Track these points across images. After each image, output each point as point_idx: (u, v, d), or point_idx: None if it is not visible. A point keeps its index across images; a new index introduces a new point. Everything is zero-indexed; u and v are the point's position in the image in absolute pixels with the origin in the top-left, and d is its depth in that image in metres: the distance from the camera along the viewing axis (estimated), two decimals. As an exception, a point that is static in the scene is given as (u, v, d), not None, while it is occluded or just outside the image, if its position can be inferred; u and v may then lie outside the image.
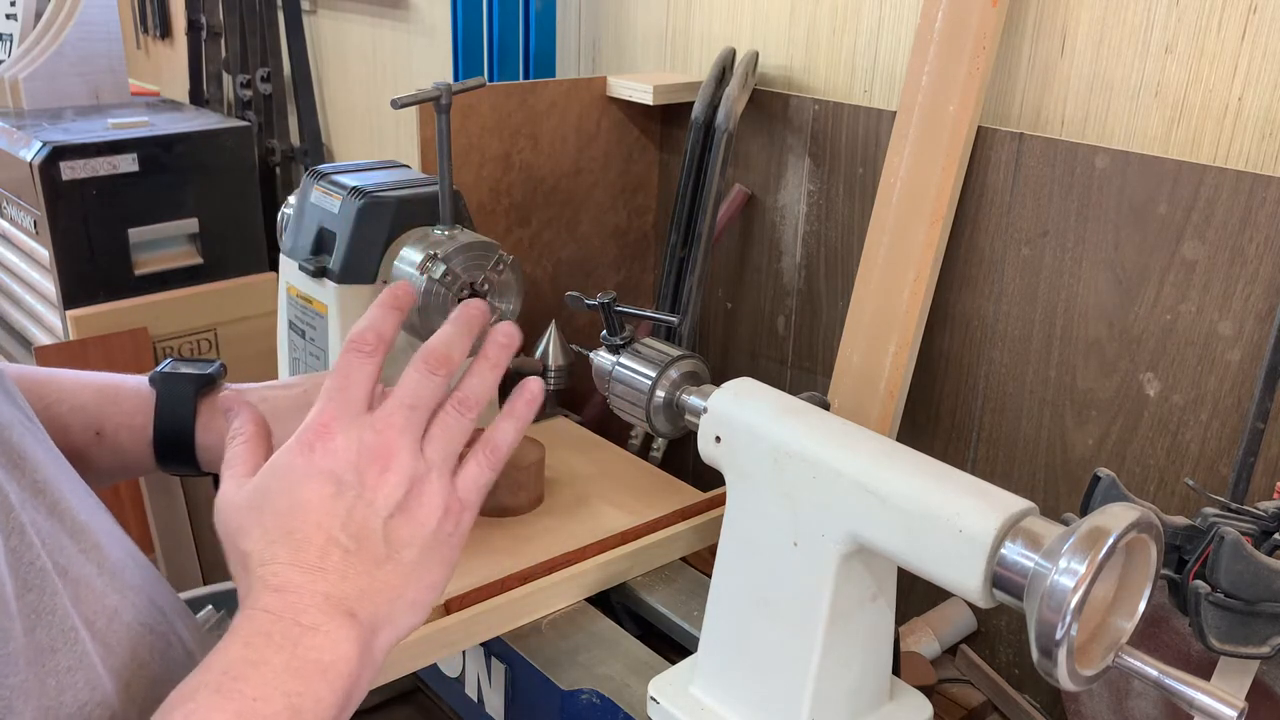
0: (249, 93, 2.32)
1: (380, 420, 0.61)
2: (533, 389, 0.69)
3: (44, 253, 1.79)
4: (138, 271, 1.85)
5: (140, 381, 0.80)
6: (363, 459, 0.60)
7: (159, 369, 0.81)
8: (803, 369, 1.44)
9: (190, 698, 0.50)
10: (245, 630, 0.54)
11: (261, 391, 0.83)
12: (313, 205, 1.07)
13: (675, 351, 0.86)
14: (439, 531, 0.62)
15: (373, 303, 0.63)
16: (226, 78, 2.41)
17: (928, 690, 1.02)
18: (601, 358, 0.89)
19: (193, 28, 2.46)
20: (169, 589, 0.63)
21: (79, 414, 0.76)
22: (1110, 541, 0.55)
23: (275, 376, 1.17)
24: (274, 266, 1.68)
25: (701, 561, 0.97)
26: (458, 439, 0.64)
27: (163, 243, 1.89)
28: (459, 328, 0.65)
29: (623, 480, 1.06)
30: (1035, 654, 0.57)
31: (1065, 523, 0.60)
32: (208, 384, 0.80)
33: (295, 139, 2.36)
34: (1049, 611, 0.56)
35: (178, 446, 0.79)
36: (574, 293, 0.92)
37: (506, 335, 0.67)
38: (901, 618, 1.24)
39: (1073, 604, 0.55)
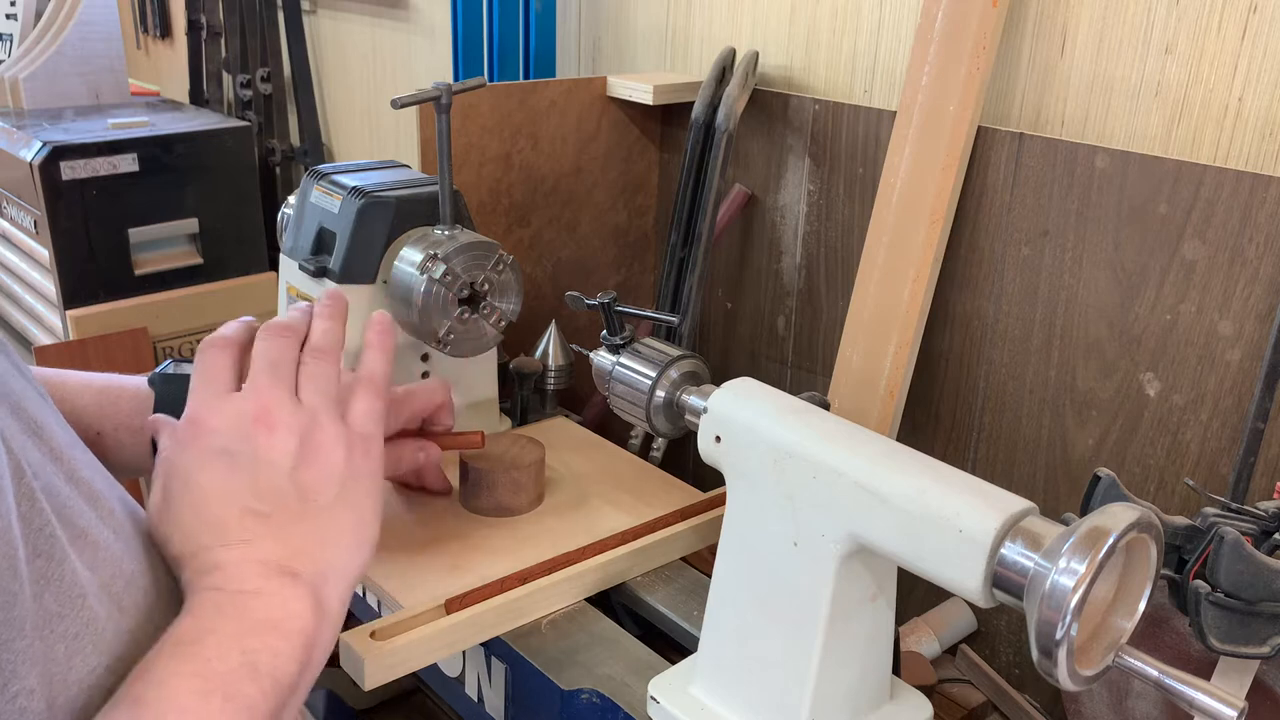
0: (249, 93, 2.32)
1: (249, 387, 0.63)
2: (377, 317, 0.73)
3: (44, 253, 1.79)
4: (138, 271, 1.85)
5: (140, 383, 0.80)
6: (244, 425, 0.61)
7: (158, 370, 0.81)
8: (803, 369, 1.44)
9: (147, 668, 0.50)
10: (193, 609, 0.55)
11: None
12: (313, 205, 1.07)
13: (675, 351, 0.86)
14: (349, 468, 0.63)
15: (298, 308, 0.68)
16: (226, 78, 2.41)
17: (928, 690, 1.02)
18: (601, 358, 0.89)
19: (193, 28, 2.46)
20: None
21: (79, 415, 0.76)
22: (1110, 541, 0.55)
23: (275, 376, 1.17)
24: (274, 266, 1.68)
25: (701, 561, 0.97)
26: (328, 380, 0.65)
27: (163, 243, 1.89)
28: (295, 312, 0.69)
29: (623, 480, 1.06)
30: (1035, 654, 0.57)
31: (1065, 523, 0.60)
32: None
33: (295, 139, 2.37)
34: (1049, 611, 0.56)
35: None
36: (574, 293, 0.92)
37: (332, 296, 0.71)
38: (901, 618, 1.24)
39: (1073, 604, 0.55)
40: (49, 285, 1.83)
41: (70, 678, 0.48)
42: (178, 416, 0.77)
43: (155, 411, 0.78)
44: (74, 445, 0.56)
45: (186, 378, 0.79)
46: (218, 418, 0.61)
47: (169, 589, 0.58)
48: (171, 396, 0.78)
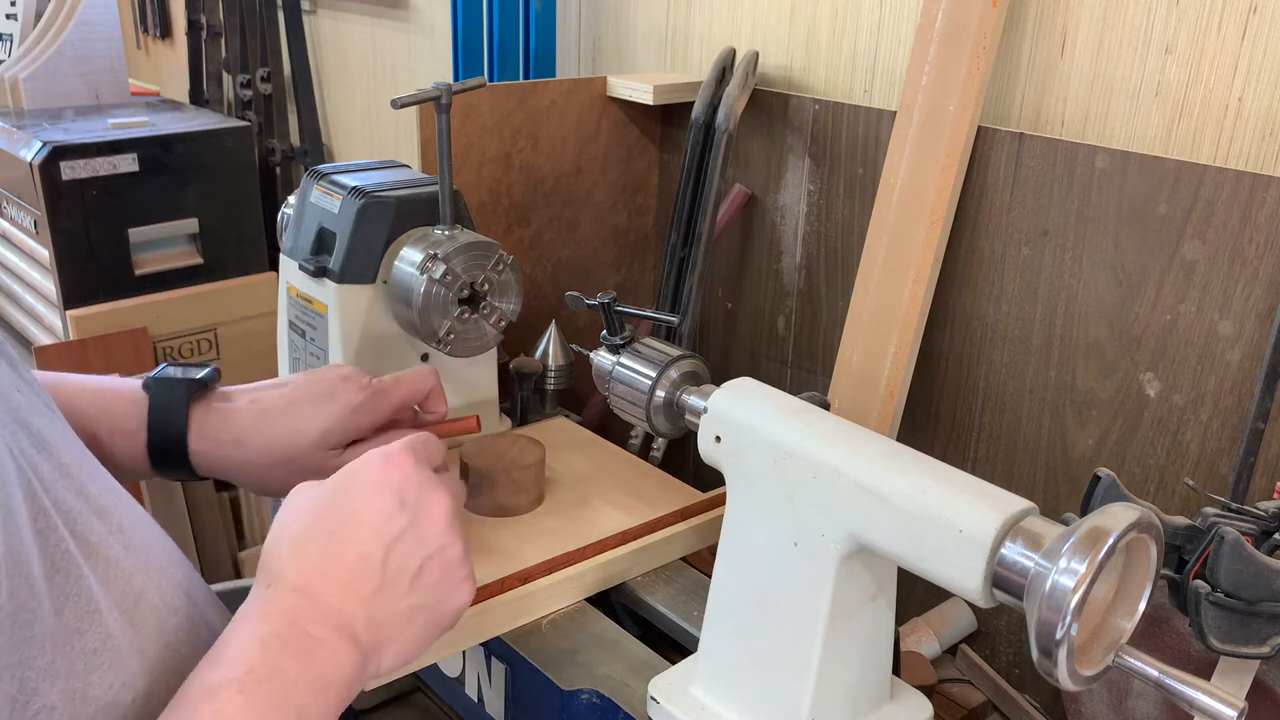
0: (249, 93, 2.32)
1: (442, 476, 0.69)
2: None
3: (44, 253, 1.79)
4: (138, 271, 1.85)
5: (135, 386, 0.80)
6: (424, 491, 0.63)
7: (153, 373, 0.81)
8: (803, 369, 1.44)
9: (214, 695, 0.51)
10: (262, 629, 0.55)
11: (252, 393, 0.83)
12: (313, 205, 1.07)
13: (675, 351, 0.86)
14: (461, 586, 0.66)
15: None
16: (226, 78, 2.41)
17: (928, 690, 1.02)
18: (601, 358, 0.89)
19: (193, 28, 2.46)
20: (198, 576, 0.64)
21: (76, 418, 0.76)
22: (1110, 541, 0.55)
23: (276, 376, 1.17)
24: (274, 266, 1.68)
25: (701, 561, 0.97)
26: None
27: (163, 243, 1.89)
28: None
29: (623, 480, 1.06)
30: (1035, 654, 0.57)
31: (1065, 523, 0.60)
32: (200, 388, 0.81)
33: (295, 139, 2.36)
34: (1049, 611, 0.56)
35: (171, 451, 0.79)
36: (574, 293, 0.92)
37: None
38: (901, 618, 1.24)
39: (1073, 604, 0.55)
40: (49, 285, 1.83)
41: (90, 694, 0.48)
42: (171, 421, 0.78)
43: (148, 416, 0.78)
44: (83, 458, 0.56)
45: (180, 381, 0.79)
46: (414, 463, 0.64)
47: (175, 605, 0.57)
48: (165, 400, 0.78)
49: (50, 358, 1.75)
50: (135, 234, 1.84)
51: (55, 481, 0.50)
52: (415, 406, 0.92)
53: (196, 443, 0.79)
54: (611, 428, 1.27)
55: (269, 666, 0.53)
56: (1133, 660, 0.59)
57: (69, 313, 1.79)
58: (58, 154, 1.72)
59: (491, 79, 1.63)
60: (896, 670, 0.80)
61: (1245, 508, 0.80)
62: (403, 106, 0.99)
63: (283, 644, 0.54)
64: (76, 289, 1.80)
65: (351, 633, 0.58)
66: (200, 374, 0.81)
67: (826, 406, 0.78)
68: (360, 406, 0.85)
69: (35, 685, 0.44)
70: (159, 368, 0.82)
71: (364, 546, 0.60)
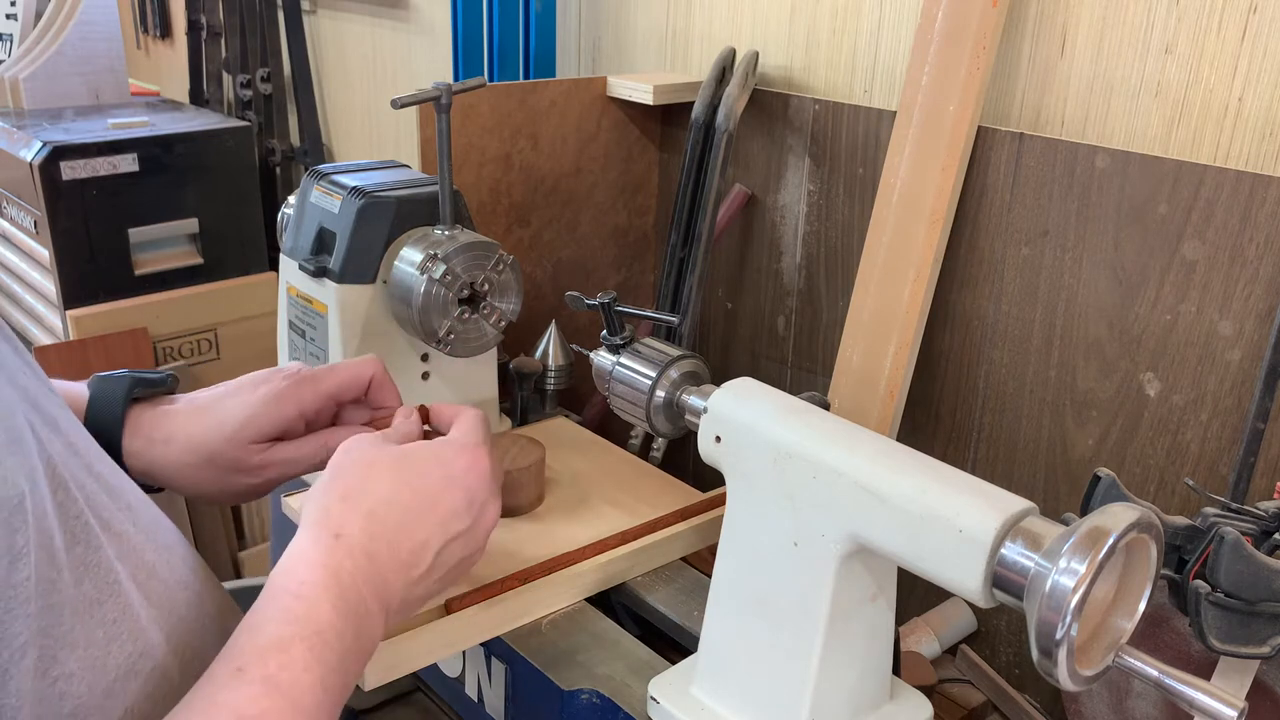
0: (249, 93, 2.32)
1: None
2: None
3: (44, 253, 1.79)
4: (138, 271, 1.85)
5: (83, 385, 0.78)
6: (489, 498, 0.68)
7: (105, 373, 0.79)
8: (803, 369, 1.44)
9: (286, 647, 0.52)
10: (333, 590, 0.57)
11: (194, 394, 0.81)
12: (313, 205, 1.07)
13: (675, 351, 0.86)
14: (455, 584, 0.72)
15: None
16: (226, 78, 2.41)
17: (928, 690, 1.02)
18: (601, 358, 0.89)
19: (193, 28, 2.46)
20: (198, 556, 0.65)
21: None
22: (1110, 541, 0.55)
23: (275, 376, 1.17)
24: (274, 266, 1.68)
25: (701, 561, 0.97)
26: None
27: (163, 243, 1.89)
28: None
29: (623, 480, 1.06)
30: (1035, 654, 0.57)
31: (1065, 523, 0.60)
32: (147, 388, 0.78)
33: (295, 139, 2.36)
34: (1049, 611, 0.56)
35: (106, 448, 0.78)
36: (574, 293, 0.92)
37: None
38: (901, 618, 1.24)
39: (1073, 604, 0.55)
40: (49, 285, 1.83)
41: (109, 663, 0.48)
42: (106, 418, 0.75)
43: (85, 412, 0.75)
44: (88, 440, 0.56)
45: (121, 379, 0.77)
46: (489, 468, 0.68)
47: (184, 580, 0.58)
48: (105, 396, 0.76)
49: (50, 358, 1.75)
50: (135, 234, 1.84)
51: (69, 459, 0.51)
52: (364, 398, 0.82)
53: (130, 442, 0.75)
54: (611, 428, 1.27)
55: (335, 631, 0.55)
56: (1133, 660, 0.59)
57: (69, 313, 1.79)
58: (58, 154, 1.72)
59: (491, 79, 1.63)
60: (896, 670, 0.80)
61: (1245, 508, 0.80)
62: (403, 106, 0.99)
63: (349, 609, 0.57)
64: (76, 289, 1.80)
65: (389, 609, 0.61)
66: (151, 375, 0.78)
67: (826, 406, 0.78)
68: (283, 394, 0.77)
69: (54, 653, 0.45)
70: (119, 371, 0.79)
71: (429, 534, 0.63)
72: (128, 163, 1.80)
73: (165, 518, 0.62)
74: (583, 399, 1.46)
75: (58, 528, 0.46)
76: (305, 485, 1.08)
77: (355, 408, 0.82)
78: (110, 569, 0.49)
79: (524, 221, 1.43)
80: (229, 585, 1.71)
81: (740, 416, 0.74)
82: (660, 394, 0.84)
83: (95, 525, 0.49)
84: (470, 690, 0.93)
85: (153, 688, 0.51)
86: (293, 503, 1.00)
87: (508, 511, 0.98)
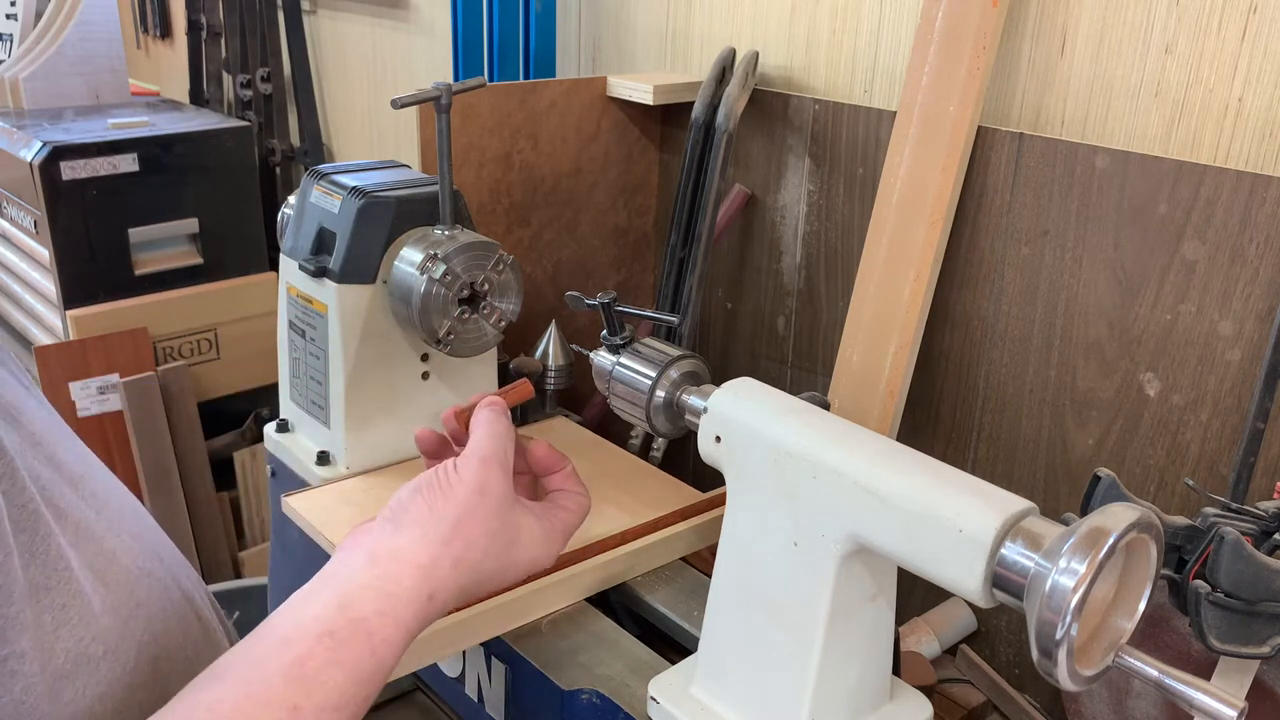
0: (249, 93, 2.32)
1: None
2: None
3: (44, 253, 1.79)
4: (138, 271, 1.85)
5: None
6: (552, 558, 0.75)
7: None
8: (803, 369, 1.44)
9: (371, 633, 0.57)
10: (423, 590, 0.62)
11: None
12: (313, 205, 1.07)
13: (675, 351, 0.86)
14: None
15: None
16: (226, 78, 2.41)
17: (928, 690, 1.02)
18: (601, 358, 0.89)
19: (193, 28, 2.46)
20: (170, 542, 0.65)
21: None
22: (1110, 541, 0.55)
23: (275, 377, 1.17)
24: (274, 266, 1.68)
25: (701, 561, 0.97)
26: None
27: (163, 243, 1.89)
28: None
29: (623, 480, 1.06)
30: (1035, 654, 0.57)
31: (1065, 523, 0.60)
32: None
33: (295, 139, 2.36)
34: (1049, 611, 0.56)
35: None
36: (574, 293, 0.92)
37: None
38: (901, 618, 1.24)
39: (1073, 604, 0.55)
40: (49, 285, 1.83)
41: (58, 646, 0.49)
42: None
43: None
44: (56, 432, 0.57)
45: None
46: (564, 542, 0.75)
47: (147, 568, 0.59)
48: None
49: (50, 358, 1.75)
50: (135, 234, 1.84)
51: (24, 450, 0.52)
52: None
53: None
54: (611, 428, 1.27)
55: (423, 623, 0.61)
56: (1133, 660, 0.59)
57: (69, 313, 1.79)
58: (58, 154, 1.72)
59: (491, 79, 1.63)
60: (896, 670, 0.80)
61: (1245, 508, 0.80)
62: (403, 106, 0.99)
63: (432, 612, 0.63)
64: (76, 289, 1.80)
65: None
66: None
67: (826, 406, 0.78)
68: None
69: (4, 632, 0.46)
70: None
71: (503, 578, 0.69)
72: (128, 163, 1.80)
73: (139, 508, 0.63)
74: (583, 399, 1.46)
75: (4, 514, 0.47)
76: (306, 485, 1.08)
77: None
78: (60, 556, 0.50)
79: (524, 221, 1.43)
80: (229, 586, 1.71)
81: (740, 416, 0.74)
82: (660, 394, 0.84)
83: (47, 513, 0.50)
84: (470, 690, 0.93)
85: (104, 674, 0.52)
86: (293, 503, 1.00)
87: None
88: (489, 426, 0.71)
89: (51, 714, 0.48)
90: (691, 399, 0.82)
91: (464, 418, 0.76)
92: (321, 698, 0.54)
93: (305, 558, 1.01)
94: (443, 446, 0.79)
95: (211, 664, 0.54)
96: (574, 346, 1.20)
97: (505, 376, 1.20)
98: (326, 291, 1.03)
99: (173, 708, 0.51)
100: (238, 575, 1.96)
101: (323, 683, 0.54)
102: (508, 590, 0.72)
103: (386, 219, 1.01)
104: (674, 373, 0.84)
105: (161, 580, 0.59)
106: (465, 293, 1.01)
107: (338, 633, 0.56)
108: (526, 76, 1.67)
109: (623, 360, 0.87)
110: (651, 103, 1.40)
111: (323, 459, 1.09)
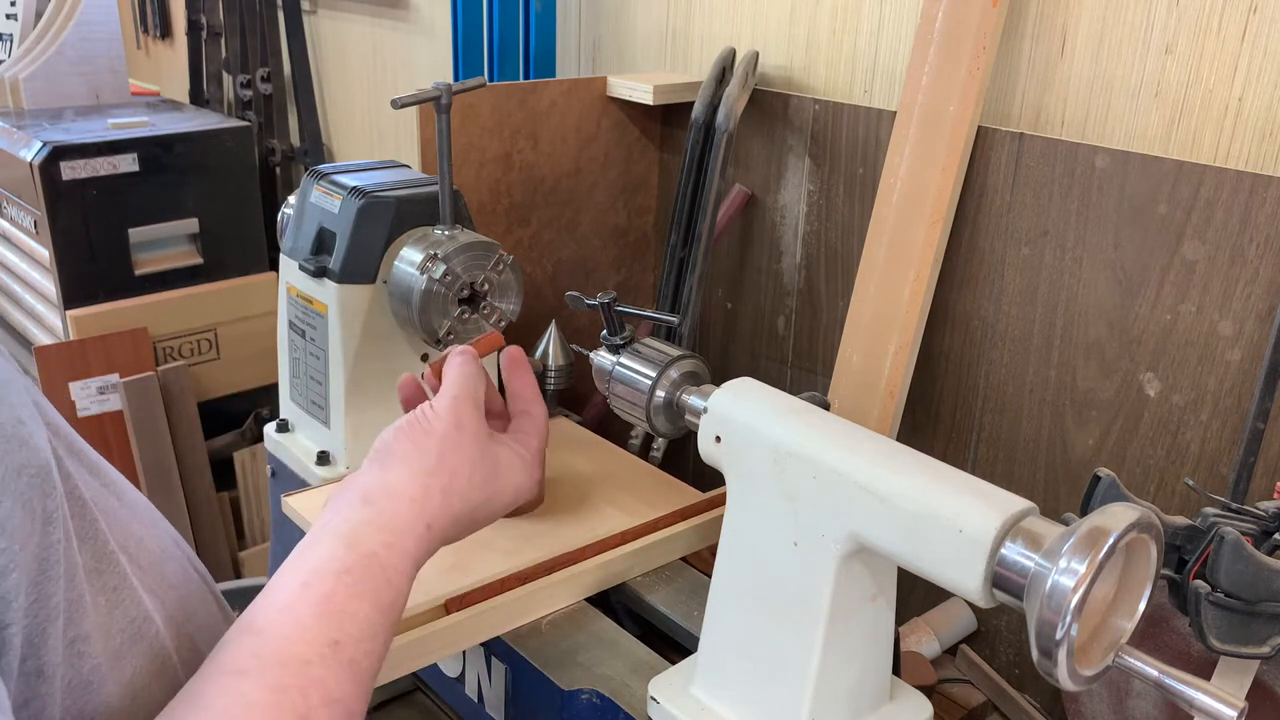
0: (249, 93, 2.32)
1: None
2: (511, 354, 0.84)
3: (44, 253, 1.79)
4: (138, 271, 1.85)
5: None
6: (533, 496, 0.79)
7: None
8: (803, 369, 1.44)
9: (385, 565, 0.60)
10: (430, 535, 0.65)
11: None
12: (313, 205, 1.07)
13: (675, 351, 0.86)
14: None
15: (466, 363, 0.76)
16: (226, 78, 2.41)
17: (928, 690, 1.02)
18: (601, 358, 0.89)
19: (193, 28, 2.46)
20: (175, 531, 0.67)
21: None
22: (1110, 541, 0.55)
23: (275, 377, 1.17)
24: (274, 266, 1.68)
25: (701, 561, 0.97)
26: None
27: (163, 243, 1.89)
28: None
29: (623, 480, 1.06)
30: (1035, 654, 0.57)
31: (1065, 523, 0.60)
32: None
33: (295, 139, 2.36)
34: (1049, 611, 0.56)
35: None
36: (574, 293, 0.92)
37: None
38: (901, 618, 1.24)
39: (1073, 604, 0.55)
40: (49, 285, 1.83)
41: (113, 627, 0.50)
42: None
43: None
44: (64, 421, 0.57)
45: None
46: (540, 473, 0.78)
47: (170, 552, 0.60)
48: None
49: (50, 358, 1.75)
50: (135, 234, 1.84)
51: (53, 439, 0.53)
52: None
53: None
54: (611, 428, 1.27)
55: (425, 552, 0.65)
56: (1133, 660, 0.59)
57: (69, 313, 1.79)
58: (58, 154, 1.72)
59: (491, 79, 1.63)
60: (896, 670, 0.80)
61: (1245, 508, 0.80)
62: (403, 106, 0.99)
63: (431, 541, 0.66)
64: (76, 289, 1.80)
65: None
66: None
67: (826, 406, 0.78)
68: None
69: (70, 614, 0.47)
70: None
71: (492, 507, 0.72)
72: (128, 163, 1.80)
73: (143, 497, 0.64)
74: (583, 399, 1.46)
75: (62, 498, 0.48)
76: (306, 485, 1.08)
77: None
78: (105, 540, 0.52)
79: (524, 221, 1.43)
80: (229, 585, 1.71)
81: (740, 416, 0.74)
82: (660, 394, 0.84)
83: (88, 499, 0.52)
84: (470, 690, 0.93)
85: (153, 651, 0.53)
86: (293, 503, 1.00)
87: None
88: (460, 369, 0.75)
89: (115, 692, 0.50)
90: (691, 399, 0.82)
91: (437, 368, 0.81)
92: (355, 630, 0.56)
93: (305, 558, 1.00)
94: (419, 394, 0.83)
95: (236, 620, 0.56)
96: (574, 346, 1.20)
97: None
98: (326, 291, 1.03)
99: (216, 658, 0.53)
100: (238, 575, 1.96)
101: (353, 615, 0.57)
102: (497, 519, 0.75)
103: (386, 219, 1.02)
104: (674, 373, 0.84)
105: (181, 562, 0.61)
106: (465, 293, 1.01)
107: (353, 569, 0.59)
108: (526, 76, 1.67)
109: (623, 360, 0.87)
110: (651, 103, 1.40)
111: (323, 459, 1.09)
